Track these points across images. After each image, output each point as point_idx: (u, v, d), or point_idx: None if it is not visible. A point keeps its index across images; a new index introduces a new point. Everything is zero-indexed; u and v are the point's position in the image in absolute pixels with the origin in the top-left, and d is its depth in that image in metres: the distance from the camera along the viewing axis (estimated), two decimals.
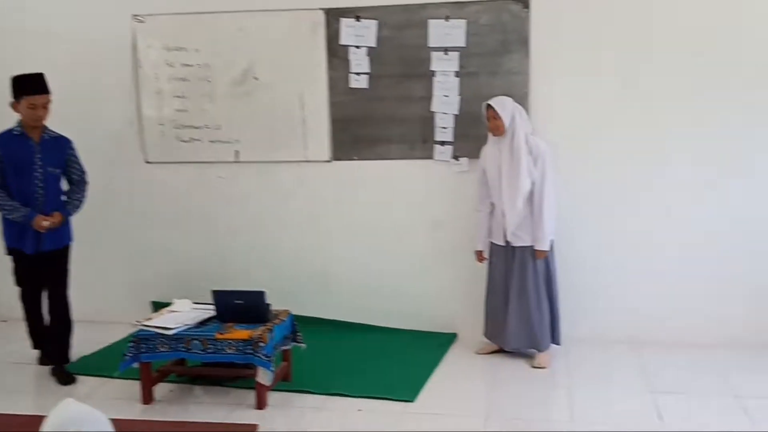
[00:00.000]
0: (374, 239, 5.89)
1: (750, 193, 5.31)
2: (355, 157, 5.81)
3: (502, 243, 5.12)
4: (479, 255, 5.30)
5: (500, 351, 5.31)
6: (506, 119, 4.93)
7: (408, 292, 5.85)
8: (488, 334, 5.34)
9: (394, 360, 5.26)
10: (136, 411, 4.45)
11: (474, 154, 5.43)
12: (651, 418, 4.26)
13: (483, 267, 5.33)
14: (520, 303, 5.08)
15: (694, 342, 5.34)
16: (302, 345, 4.88)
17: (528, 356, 5.19)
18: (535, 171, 4.93)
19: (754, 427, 4.07)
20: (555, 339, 5.22)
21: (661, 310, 5.47)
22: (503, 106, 4.95)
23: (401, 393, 4.63)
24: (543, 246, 4.98)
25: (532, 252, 5.02)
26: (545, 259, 5.05)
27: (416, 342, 5.60)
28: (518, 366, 5.11)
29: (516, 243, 5.05)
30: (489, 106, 4.97)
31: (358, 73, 5.66)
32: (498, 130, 4.97)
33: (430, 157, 5.67)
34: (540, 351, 5.13)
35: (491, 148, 5.11)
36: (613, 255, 5.50)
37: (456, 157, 5.61)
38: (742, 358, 5.15)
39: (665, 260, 5.44)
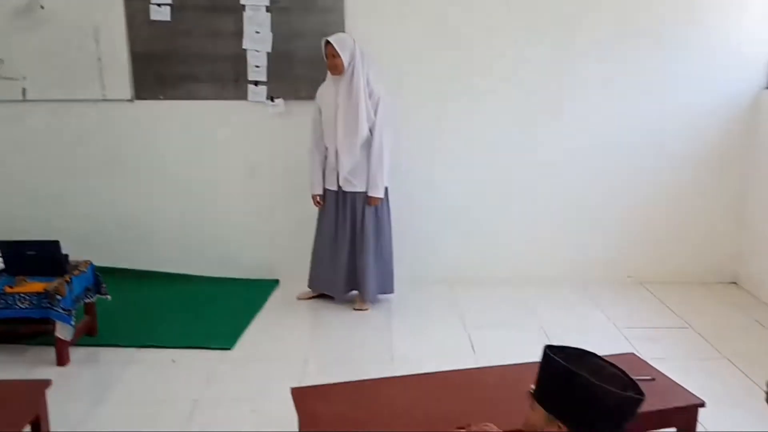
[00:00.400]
0: (187, 184, 5.57)
1: (555, 140, 5.53)
2: (160, 97, 5.42)
3: (334, 188, 4.94)
4: (316, 200, 5.01)
5: (322, 296, 5.21)
6: (345, 58, 4.70)
7: (225, 239, 5.62)
8: (313, 284, 5.17)
9: (211, 309, 5.03)
10: None
11: (290, 95, 5.26)
12: (466, 353, 4.38)
13: (304, 212, 5.19)
14: (350, 251, 4.96)
15: (507, 280, 5.57)
16: (107, 297, 4.52)
17: (350, 300, 5.14)
18: (373, 116, 4.77)
19: None
20: (387, 288, 5.13)
21: (476, 251, 5.65)
22: (343, 44, 4.71)
23: (218, 341, 4.44)
24: (378, 193, 4.86)
25: (364, 199, 4.89)
26: (378, 206, 4.93)
27: (235, 290, 5.40)
28: (340, 309, 5.06)
29: (348, 188, 4.88)
30: (328, 42, 4.72)
31: (159, 4, 5.24)
32: (336, 69, 4.74)
33: (243, 98, 5.41)
34: (366, 300, 5.05)
35: (328, 88, 4.87)
36: (433, 199, 5.58)
37: (271, 98, 5.37)
38: (548, 293, 5.45)
39: (484, 205, 5.61)
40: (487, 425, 2.23)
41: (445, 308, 5.14)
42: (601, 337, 4.62)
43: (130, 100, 5.43)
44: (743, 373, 4.14)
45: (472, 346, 4.47)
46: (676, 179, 5.62)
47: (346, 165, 4.81)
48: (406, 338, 4.60)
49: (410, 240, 5.52)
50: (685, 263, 5.76)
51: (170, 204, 5.60)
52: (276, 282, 5.56)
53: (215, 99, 5.42)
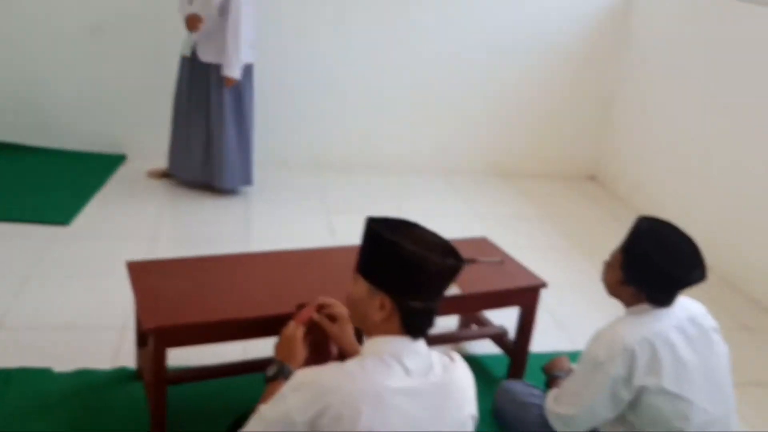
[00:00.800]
0: (21, 44, 4.95)
1: (428, 30, 5.35)
2: None
3: (188, 53, 4.44)
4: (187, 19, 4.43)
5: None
6: None
7: (64, 107, 5.07)
8: (172, 165, 4.72)
9: (47, 182, 4.60)
10: None
11: None
12: (324, 236, 4.28)
13: (159, 79, 4.78)
14: (206, 133, 4.52)
15: (374, 167, 5.48)
16: None
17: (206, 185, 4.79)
18: None
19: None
20: (246, 179, 4.74)
21: (346, 138, 5.48)
22: None
23: (54, 216, 4.08)
24: (232, 73, 4.36)
25: (218, 71, 4.40)
26: (238, 87, 4.47)
27: (74, 164, 4.95)
28: (196, 191, 4.72)
29: (203, 57, 4.38)
30: None
31: None
32: None
33: None
34: (220, 187, 4.65)
35: None
36: (303, 81, 5.29)
37: None
38: (413, 181, 5.41)
39: (356, 92, 5.39)
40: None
41: (309, 193, 4.98)
42: (458, 223, 4.64)
43: None
44: (590, 261, 4.26)
45: (332, 230, 4.37)
46: (544, 75, 5.62)
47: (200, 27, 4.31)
48: (265, 221, 4.42)
49: (278, 122, 5.27)
50: (548, 158, 5.85)
51: (3, 67, 4.99)
52: (122, 157, 5.13)
53: None
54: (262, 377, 1.96)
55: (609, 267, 2.32)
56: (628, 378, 2.14)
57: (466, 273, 2.85)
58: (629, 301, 2.27)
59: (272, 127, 5.23)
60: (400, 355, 1.65)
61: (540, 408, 2.44)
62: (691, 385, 2.18)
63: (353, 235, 4.16)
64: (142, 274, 2.55)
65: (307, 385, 1.59)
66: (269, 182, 5.03)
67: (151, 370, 2.32)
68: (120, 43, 4.99)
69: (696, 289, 2.20)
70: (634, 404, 2.19)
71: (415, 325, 1.68)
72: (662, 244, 2.17)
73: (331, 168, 5.41)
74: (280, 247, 3.01)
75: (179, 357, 2.63)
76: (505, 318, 3.08)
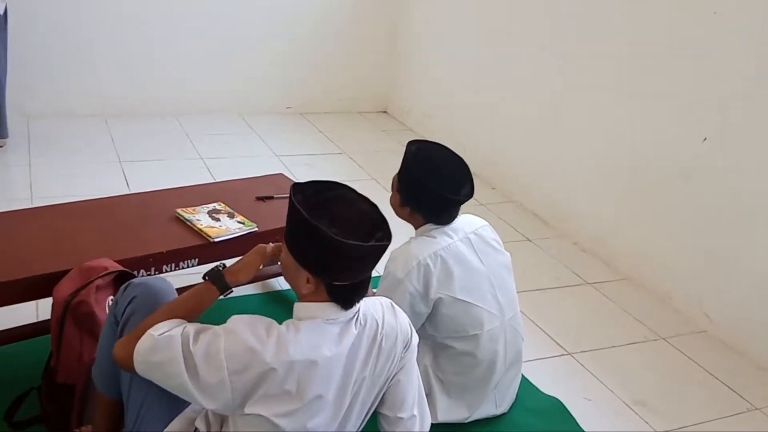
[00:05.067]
0: None
1: None
2: None
3: None
4: None
5: None
6: None
7: None
8: None
9: None
10: None
11: None
12: (120, 186, 4.14)
13: None
14: None
15: (164, 111, 5.34)
16: None
17: None
18: None
19: (217, 179, 4.20)
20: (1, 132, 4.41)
21: (132, 82, 5.27)
22: None
23: None
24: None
25: None
26: None
27: None
28: None
29: None
30: None
31: None
32: None
33: None
34: None
35: None
36: (72, 23, 5.00)
37: None
38: (207, 123, 5.34)
39: (141, 34, 5.17)
40: (101, 261, 2.11)
41: (98, 142, 4.77)
42: (258, 163, 4.66)
43: None
44: (386, 189, 4.45)
45: (126, 180, 4.26)
46: (333, 8, 5.69)
47: None
48: (50, 177, 4.18)
49: (60, 68, 5.00)
50: (342, 94, 5.97)
51: None
52: None
53: None
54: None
55: (392, 192, 2.46)
56: (425, 292, 2.30)
57: (263, 209, 2.93)
58: (414, 223, 2.43)
59: (59, 71, 4.99)
60: (332, 321, 1.65)
61: None
62: (480, 292, 2.39)
63: (152, 184, 4.11)
64: None
65: (240, 342, 1.55)
66: (54, 131, 4.80)
67: None
68: None
69: (485, 207, 2.38)
70: (432, 317, 2.37)
71: (344, 299, 1.65)
72: (430, 166, 2.32)
73: (121, 115, 5.21)
74: (71, 200, 2.90)
75: None
76: None
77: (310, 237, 1.55)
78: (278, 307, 3.13)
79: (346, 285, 1.62)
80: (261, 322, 1.61)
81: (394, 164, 4.83)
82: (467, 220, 2.49)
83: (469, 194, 2.36)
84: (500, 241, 2.57)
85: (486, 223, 2.56)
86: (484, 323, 2.40)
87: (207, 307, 1.78)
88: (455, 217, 2.41)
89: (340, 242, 1.52)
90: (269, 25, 5.52)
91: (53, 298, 2.11)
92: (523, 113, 4.62)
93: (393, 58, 6.01)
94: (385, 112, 6.18)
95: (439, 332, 2.41)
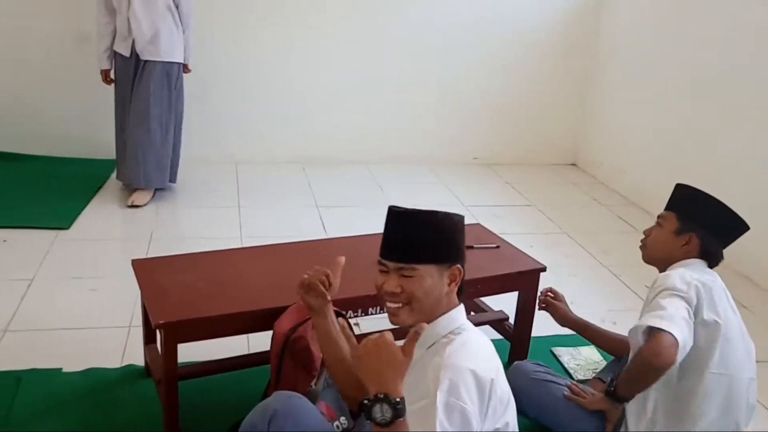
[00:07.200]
0: (13, 52, 5.06)
1: (401, 20, 5.47)
2: None
3: (127, 54, 4.39)
4: (105, 75, 4.55)
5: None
6: None
7: (55, 116, 5.18)
8: (119, 173, 4.68)
9: (45, 189, 4.69)
10: None
11: None
12: (316, 228, 4.37)
13: None
14: (141, 129, 4.40)
15: (358, 160, 5.58)
16: None
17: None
18: None
19: None
20: (172, 177, 4.71)
21: (326, 131, 5.58)
22: None
23: (54, 221, 4.16)
24: (191, 59, 4.54)
25: (162, 69, 4.36)
26: (172, 80, 4.44)
27: (71, 170, 5.05)
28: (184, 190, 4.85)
29: (147, 56, 4.33)
30: None
31: None
32: None
33: None
34: (144, 187, 4.53)
35: None
36: (277, 78, 5.40)
37: None
38: (397, 173, 5.51)
39: (335, 86, 5.50)
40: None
41: (296, 187, 5.08)
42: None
43: None
44: (579, 244, 4.39)
45: (323, 224, 4.46)
46: (522, 64, 5.73)
47: (146, 32, 4.27)
48: (256, 219, 4.49)
49: (264, 120, 5.40)
50: (529, 146, 5.97)
51: None
52: (113, 162, 5.09)
53: None
54: (266, 369, 2.00)
55: (654, 228, 2.43)
56: (697, 310, 2.18)
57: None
58: (680, 256, 2.35)
59: (258, 121, 5.39)
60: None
61: (553, 385, 2.44)
62: (734, 336, 2.26)
63: (345, 227, 4.30)
64: (146, 271, 2.61)
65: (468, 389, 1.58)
66: (255, 177, 5.17)
67: (162, 367, 2.38)
68: None
69: None
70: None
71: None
72: (713, 197, 2.34)
73: (317, 162, 5.52)
74: (273, 241, 3.09)
75: (182, 353, 2.71)
76: (501, 303, 3.14)
77: (419, 226, 1.78)
78: None
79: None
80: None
81: (586, 218, 4.83)
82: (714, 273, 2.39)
83: (747, 228, 2.34)
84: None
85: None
86: (729, 366, 2.23)
87: None
88: (721, 258, 2.38)
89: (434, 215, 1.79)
90: (457, 77, 5.66)
91: (274, 333, 2.24)
92: (721, 170, 4.35)
93: (581, 112, 5.93)
94: (573, 164, 6.09)
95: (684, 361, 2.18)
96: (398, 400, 1.48)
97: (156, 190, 4.62)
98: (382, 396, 1.48)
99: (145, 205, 4.50)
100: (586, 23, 5.72)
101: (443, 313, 1.78)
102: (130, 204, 4.46)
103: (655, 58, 5.07)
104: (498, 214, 4.85)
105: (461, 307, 1.82)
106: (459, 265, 1.78)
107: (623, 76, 5.48)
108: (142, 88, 4.37)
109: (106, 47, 4.46)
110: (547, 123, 5.95)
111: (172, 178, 4.71)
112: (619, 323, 3.20)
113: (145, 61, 4.35)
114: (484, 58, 5.65)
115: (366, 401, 1.48)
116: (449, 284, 1.77)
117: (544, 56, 5.75)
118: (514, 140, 5.93)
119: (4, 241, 3.93)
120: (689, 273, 2.26)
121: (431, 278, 1.75)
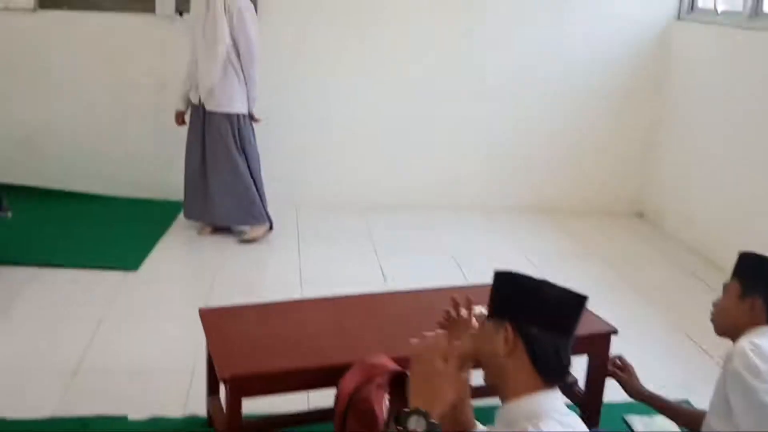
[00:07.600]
0: (91, 99, 5.30)
1: (463, 69, 5.52)
2: (64, 6, 5.13)
3: (195, 101, 4.62)
4: (178, 116, 4.77)
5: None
6: None
7: (131, 158, 5.39)
8: (188, 212, 4.87)
9: (115, 229, 4.85)
10: None
11: None
12: (376, 277, 4.37)
13: None
14: (219, 175, 4.65)
15: (416, 206, 5.58)
16: (7, 214, 4.25)
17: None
18: (235, 31, 4.42)
19: (468, 279, 4.29)
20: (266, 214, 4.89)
21: (387, 177, 5.63)
22: None
23: (123, 262, 4.29)
24: (253, 108, 4.69)
25: (227, 118, 4.56)
26: (240, 126, 4.63)
27: (141, 211, 5.22)
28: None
29: (209, 106, 4.55)
30: None
31: None
32: None
33: (151, 10, 5.16)
34: (251, 225, 4.81)
35: (196, 1, 4.56)
36: (338, 122, 5.50)
37: (180, 12, 5.12)
38: (456, 221, 5.49)
39: (394, 132, 5.57)
40: (380, 358, 2.19)
41: (356, 234, 5.10)
42: (508, 263, 4.62)
43: (33, 10, 5.12)
44: (647, 301, 4.28)
45: (382, 272, 4.46)
46: (585, 112, 5.69)
47: (204, 84, 4.49)
48: (316, 264, 4.53)
49: (318, 165, 5.49)
50: (592, 195, 5.88)
51: (73, 120, 5.33)
52: (180, 204, 5.25)
53: (121, 11, 5.17)
54: (328, 427, 2.00)
55: (722, 299, 2.35)
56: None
57: None
58: (747, 321, 2.26)
59: (317, 168, 5.49)
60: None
61: None
62: None
63: (405, 277, 4.29)
64: (213, 321, 2.67)
65: None
66: (316, 223, 5.23)
67: (226, 420, 2.40)
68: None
69: None
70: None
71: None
72: None
73: (377, 208, 5.54)
74: (333, 290, 3.12)
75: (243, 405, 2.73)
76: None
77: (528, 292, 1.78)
78: None
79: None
80: None
81: (651, 272, 4.69)
82: None
83: None
84: None
85: None
86: None
87: None
88: None
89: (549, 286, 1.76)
90: (516, 121, 5.65)
91: (338, 391, 2.24)
92: None
93: (647, 159, 5.83)
94: (639, 215, 5.94)
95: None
96: (436, 423, 1.43)
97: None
98: (424, 411, 1.44)
99: (257, 239, 4.79)
100: (652, 66, 5.64)
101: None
102: (244, 239, 4.76)
103: (726, 104, 4.95)
104: (558, 264, 4.71)
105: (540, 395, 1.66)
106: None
107: (690, 123, 5.35)
108: (209, 136, 4.61)
109: (185, 91, 4.69)
110: (611, 171, 5.82)
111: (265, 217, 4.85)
112: (701, 396, 2.99)
113: (209, 111, 4.57)
114: (545, 102, 5.64)
115: (406, 410, 1.45)
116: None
117: (608, 100, 5.68)
118: (576, 188, 5.84)
119: (75, 281, 4.04)
120: (763, 340, 2.14)
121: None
